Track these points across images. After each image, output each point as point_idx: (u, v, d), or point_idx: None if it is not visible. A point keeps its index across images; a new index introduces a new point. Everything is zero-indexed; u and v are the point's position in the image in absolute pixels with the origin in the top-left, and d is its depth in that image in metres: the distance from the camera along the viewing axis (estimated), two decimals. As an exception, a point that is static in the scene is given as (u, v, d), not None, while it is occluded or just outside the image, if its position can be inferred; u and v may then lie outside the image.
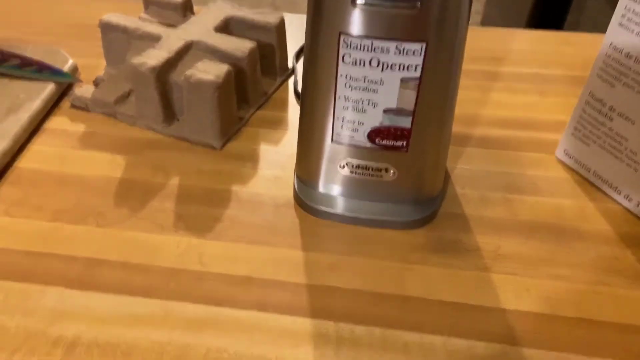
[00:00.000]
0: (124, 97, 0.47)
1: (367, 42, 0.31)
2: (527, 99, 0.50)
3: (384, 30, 0.30)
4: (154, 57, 0.43)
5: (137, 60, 0.43)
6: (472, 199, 0.40)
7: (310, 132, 0.37)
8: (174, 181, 0.41)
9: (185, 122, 0.45)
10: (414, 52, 0.31)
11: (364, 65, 0.32)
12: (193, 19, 0.50)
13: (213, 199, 0.39)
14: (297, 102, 0.50)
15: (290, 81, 0.53)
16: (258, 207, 0.39)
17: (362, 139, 0.35)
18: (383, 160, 0.36)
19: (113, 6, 0.64)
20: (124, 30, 0.48)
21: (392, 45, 0.31)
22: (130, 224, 0.37)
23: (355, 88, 0.33)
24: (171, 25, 0.49)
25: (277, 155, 0.44)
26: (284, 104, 0.50)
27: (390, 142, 0.35)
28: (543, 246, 0.36)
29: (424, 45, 0.31)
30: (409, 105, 0.33)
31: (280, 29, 0.50)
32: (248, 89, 0.48)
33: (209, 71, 0.42)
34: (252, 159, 0.44)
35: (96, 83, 0.50)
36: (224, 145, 0.45)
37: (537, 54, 0.57)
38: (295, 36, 0.60)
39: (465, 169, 0.43)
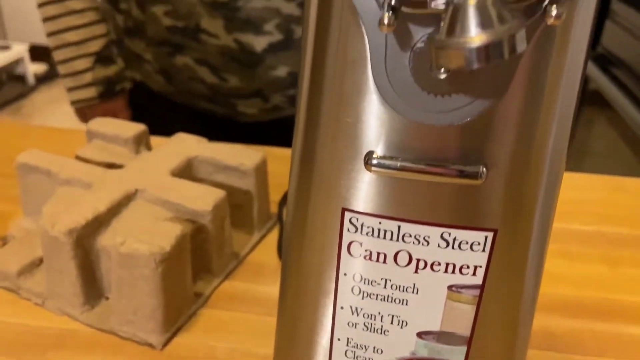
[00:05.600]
0: (33, 266, 0.33)
1: (392, 225, 0.18)
2: (592, 271, 0.37)
3: (422, 209, 0.18)
4: (73, 215, 0.30)
5: (48, 219, 0.30)
6: None
7: (293, 351, 0.23)
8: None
9: (114, 307, 0.31)
10: (472, 246, 0.18)
11: (384, 260, 0.19)
12: (145, 156, 0.38)
13: None
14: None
15: (273, 236, 0.40)
16: None
17: (379, 373, 0.21)
18: (415, 409, 0.22)
19: (48, 136, 0.53)
20: (48, 173, 0.35)
21: (434, 233, 0.18)
22: None
23: (369, 295, 0.20)
24: (116, 165, 0.37)
25: (251, 356, 0.30)
26: (263, 270, 0.37)
27: (428, 383, 0.21)
28: None
29: (491, 235, 0.18)
30: (463, 328, 0.19)
31: (260, 171, 0.38)
32: (212, 254, 0.35)
33: (152, 236, 0.29)
34: (208, 366, 0.29)
35: (4, 241, 0.36)
36: (167, 341, 0.30)
37: (591, 205, 0.45)
38: (278, 175, 0.48)
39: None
